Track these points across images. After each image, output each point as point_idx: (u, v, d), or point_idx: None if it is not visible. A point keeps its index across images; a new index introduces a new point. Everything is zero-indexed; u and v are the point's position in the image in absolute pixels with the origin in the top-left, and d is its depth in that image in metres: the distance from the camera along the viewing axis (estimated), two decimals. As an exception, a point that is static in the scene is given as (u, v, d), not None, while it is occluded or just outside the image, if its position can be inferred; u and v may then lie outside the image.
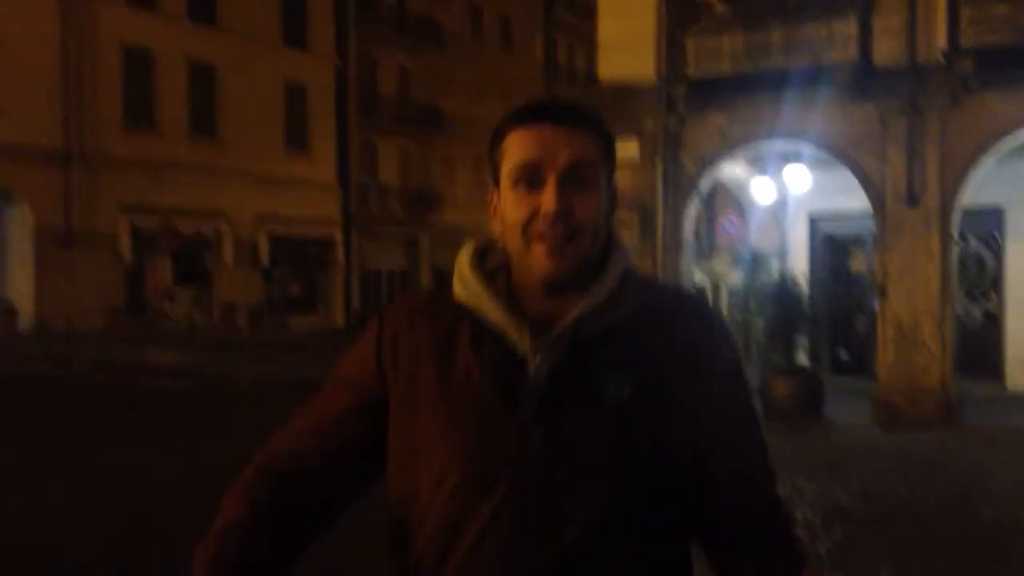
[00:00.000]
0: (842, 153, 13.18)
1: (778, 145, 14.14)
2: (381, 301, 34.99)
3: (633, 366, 1.34)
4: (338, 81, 33.47)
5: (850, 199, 14.02)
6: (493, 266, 1.41)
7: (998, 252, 16.29)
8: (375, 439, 1.41)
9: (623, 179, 13.67)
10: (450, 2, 37.40)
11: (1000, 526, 7.17)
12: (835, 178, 14.30)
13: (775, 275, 14.41)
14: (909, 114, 12.51)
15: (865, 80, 12.66)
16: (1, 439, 10.11)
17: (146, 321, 26.19)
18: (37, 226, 24.72)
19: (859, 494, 8.11)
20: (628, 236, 13.70)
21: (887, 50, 12.63)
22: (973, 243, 16.26)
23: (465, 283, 1.40)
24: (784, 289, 13.57)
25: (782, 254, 16.83)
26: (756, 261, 14.71)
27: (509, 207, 1.36)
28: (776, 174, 16.02)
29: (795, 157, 15.05)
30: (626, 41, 13.83)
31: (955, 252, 13.24)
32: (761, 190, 16.38)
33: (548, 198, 1.32)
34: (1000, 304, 16.32)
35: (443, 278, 1.48)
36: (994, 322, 16.41)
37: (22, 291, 24.61)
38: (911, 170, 12.58)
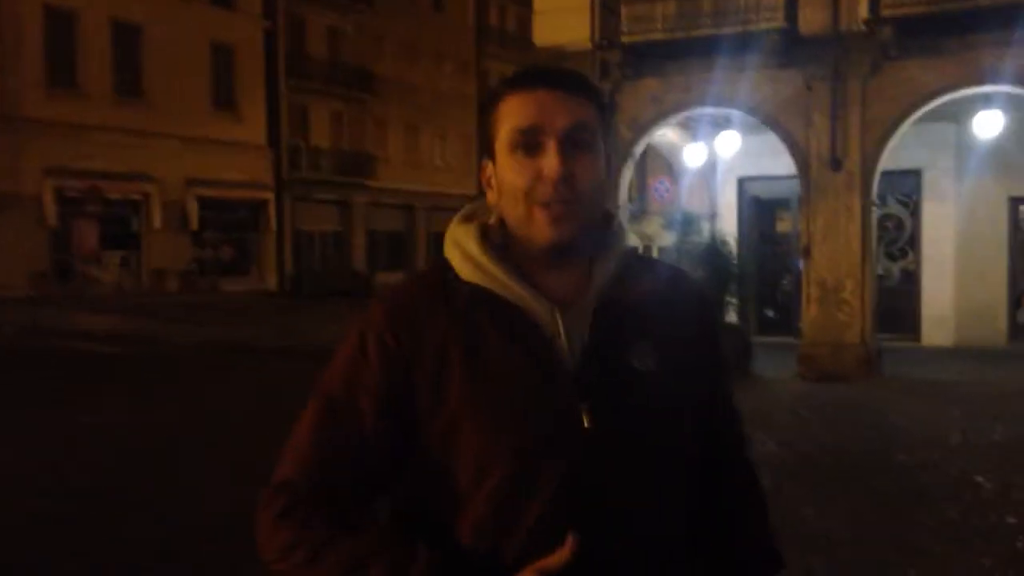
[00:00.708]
0: (770, 118, 13.62)
1: (709, 111, 14.52)
2: (314, 263, 34.87)
3: (652, 336, 1.35)
4: (267, 41, 32.96)
5: (777, 162, 14.50)
6: (498, 243, 1.37)
7: (916, 213, 17.01)
8: (403, 438, 1.32)
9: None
10: (380, -38, 36.98)
11: (913, 468, 7.70)
12: (763, 142, 14.74)
13: (705, 236, 14.84)
14: (833, 81, 13.00)
15: (791, 48, 13.10)
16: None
17: (73, 286, 25.75)
18: (-41, 190, 24.09)
19: (785, 442, 8.59)
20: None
21: (812, 18, 13.07)
22: (892, 204, 16.93)
23: (477, 264, 1.34)
24: (714, 250, 14.01)
25: (712, 216, 17.28)
26: (687, 223, 15.09)
27: (508, 173, 1.33)
28: (707, 138, 16.42)
29: (725, 122, 15.45)
30: (562, 7, 14.06)
31: (875, 214, 13.83)
32: (692, 154, 16.78)
33: (551, 162, 1.29)
34: (917, 263, 17.07)
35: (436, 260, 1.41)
36: (912, 280, 17.17)
37: (-56, 256, 23.98)
38: (835, 135, 13.09)
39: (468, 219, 1.41)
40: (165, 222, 29.09)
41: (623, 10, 13.85)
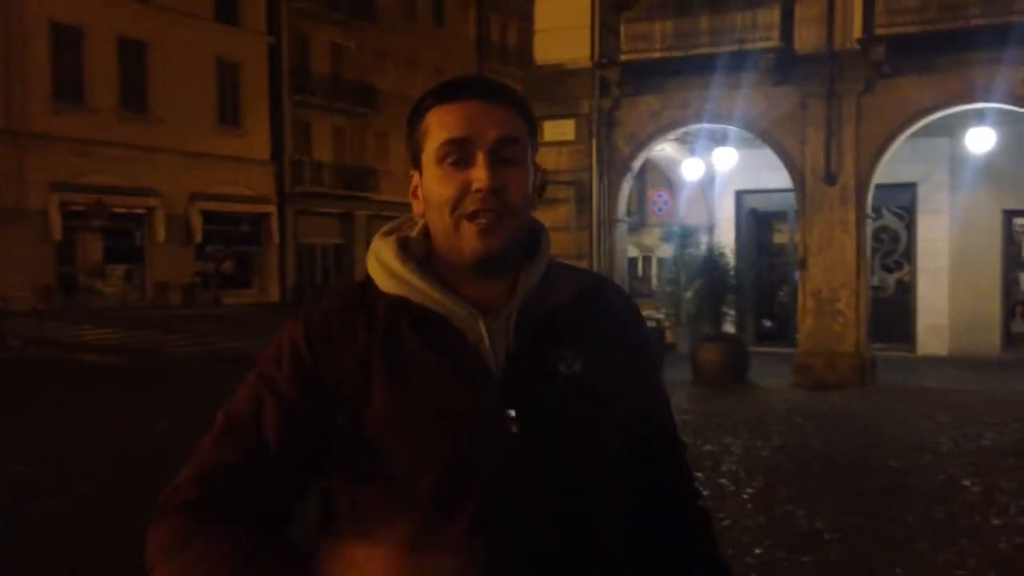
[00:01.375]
0: (766, 134, 13.90)
1: (706, 126, 14.80)
2: (316, 276, 35.13)
3: (578, 341, 1.34)
4: (271, 57, 33.31)
5: (774, 176, 14.74)
6: (420, 255, 1.36)
7: (911, 225, 17.25)
8: (315, 451, 1.31)
9: (560, 158, 14.27)
10: (382, -22, 37.36)
11: (902, 472, 7.94)
12: (760, 155, 15.00)
13: (703, 248, 15.04)
14: (827, 97, 13.28)
15: (786, 66, 13.40)
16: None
17: (77, 299, 26.01)
18: (-34, 204, 24.37)
19: (779, 448, 8.85)
20: (565, 212, 14.30)
21: (807, 37, 13.37)
22: (888, 217, 17.18)
23: (394, 275, 1.33)
24: (712, 262, 14.23)
25: (710, 228, 17.51)
26: (685, 235, 15.28)
27: (435, 185, 1.30)
28: (705, 152, 16.68)
29: (722, 137, 15.71)
30: (563, 25, 14.38)
31: (870, 226, 14.09)
32: (690, 168, 17.04)
33: (481, 174, 1.27)
34: (912, 274, 17.30)
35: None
36: (907, 291, 17.39)
37: (-49, 269, 24.21)
38: (829, 150, 13.36)
39: (390, 233, 1.41)
40: (169, 236, 29.33)
41: (622, 29, 14.16)
